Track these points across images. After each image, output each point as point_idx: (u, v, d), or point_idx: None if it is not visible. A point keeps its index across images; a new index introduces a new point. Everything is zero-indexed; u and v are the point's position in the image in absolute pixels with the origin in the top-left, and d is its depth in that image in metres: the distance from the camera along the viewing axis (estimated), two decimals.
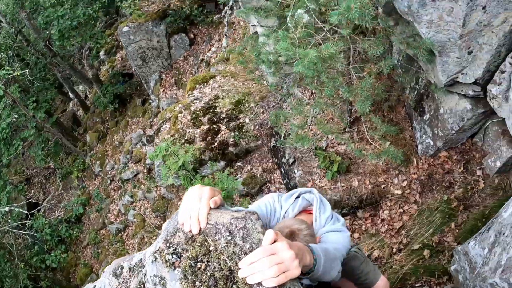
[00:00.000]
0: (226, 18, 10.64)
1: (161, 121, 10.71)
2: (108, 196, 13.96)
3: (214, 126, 9.16)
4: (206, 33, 13.72)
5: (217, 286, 1.74)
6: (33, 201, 15.94)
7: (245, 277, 1.72)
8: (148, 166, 11.95)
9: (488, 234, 4.25)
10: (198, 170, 8.72)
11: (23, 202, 14.91)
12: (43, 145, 15.66)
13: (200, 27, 13.99)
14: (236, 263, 1.76)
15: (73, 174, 16.04)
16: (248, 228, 1.87)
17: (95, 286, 2.38)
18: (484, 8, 4.67)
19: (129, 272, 2.14)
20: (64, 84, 18.12)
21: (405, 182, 6.75)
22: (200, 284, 1.75)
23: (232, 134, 8.91)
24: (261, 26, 7.13)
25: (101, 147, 15.81)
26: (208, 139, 9.01)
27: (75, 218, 13.96)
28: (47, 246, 12.99)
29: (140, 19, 13.74)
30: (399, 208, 6.69)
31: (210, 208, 1.93)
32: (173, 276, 1.79)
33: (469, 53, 5.17)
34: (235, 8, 7.18)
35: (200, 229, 1.86)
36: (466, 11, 4.62)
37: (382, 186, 6.84)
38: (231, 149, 8.89)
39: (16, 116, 13.21)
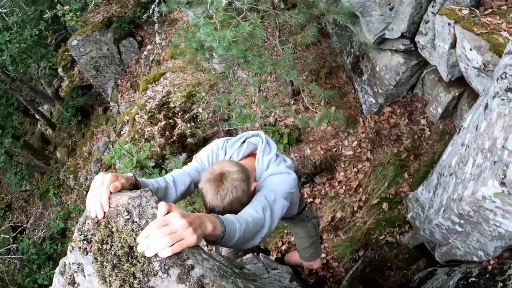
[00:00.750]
0: (155, 15, 10.55)
1: (120, 125, 10.59)
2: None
3: (170, 121, 9.05)
4: (152, 33, 13.55)
5: (120, 263, 1.79)
6: (13, 224, 15.76)
7: (143, 251, 1.75)
8: (116, 170, 11.86)
9: (432, 178, 4.25)
10: (162, 166, 8.63)
11: (3, 228, 14.72)
12: (15, 169, 15.50)
13: (146, 28, 13.82)
14: (135, 239, 1.79)
15: (50, 192, 15.86)
16: (143, 205, 1.93)
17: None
18: None
19: (69, 267, 2.13)
20: (28, 106, 17.81)
21: (355, 142, 6.74)
22: (107, 264, 1.79)
23: (188, 125, 8.82)
24: (194, 16, 7.04)
25: (72, 161, 15.62)
26: (166, 134, 8.91)
27: (58, 233, 13.80)
28: (36, 266, 12.83)
29: (87, 31, 13.51)
30: (353, 168, 6.68)
31: (111, 192, 1.99)
32: (87, 260, 1.85)
33: (391, 9, 5.13)
34: (162, 3, 7.06)
35: (104, 213, 1.92)
36: None
37: (334, 150, 6.82)
38: (189, 140, 8.80)
39: None
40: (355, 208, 6.37)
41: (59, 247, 13.56)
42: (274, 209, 2.63)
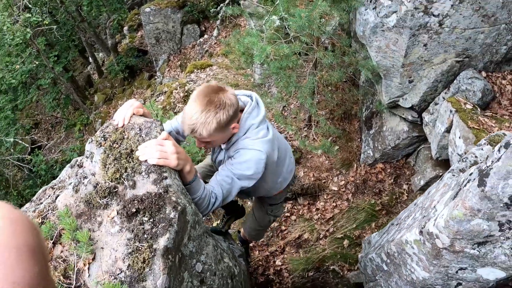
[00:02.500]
0: (221, 13, 10.99)
1: (158, 93, 11.02)
2: None
3: None
4: (215, 28, 14.00)
5: (120, 158, 2.27)
6: (35, 138, 16.20)
7: (138, 156, 2.25)
8: None
9: (386, 227, 4.62)
10: None
11: (27, 137, 15.13)
12: (55, 95, 15.85)
13: (211, 22, 14.26)
14: (137, 147, 2.27)
15: (76, 127, 16.25)
16: (152, 129, 2.40)
17: (58, 177, 2.87)
18: (425, 45, 5.04)
19: (78, 162, 2.65)
20: (86, 48, 18.28)
21: (343, 182, 7.12)
22: (111, 156, 2.28)
23: None
24: (254, 26, 7.50)
25: (105, 108, 16.04)
26: None
27: (69, 162, 14.15)
28: (40, 181, 13.18)
29: (161, 4, 13.99)
30: (333, 202, 7.03)
31: (134, 114, 2.46)
32: (98, 151, 2.33)
33: (410, 81, 5.53)
34: (230, 5, 7.52)
35: (124, 124, 2.40)
36: (408, 44, 4.97)
37: (323, 181, 7.20)
38: None
39: (37, 63, 13.39)
40: (321, 236, 6.72)
41: None
42: (231, 190, 2.77)
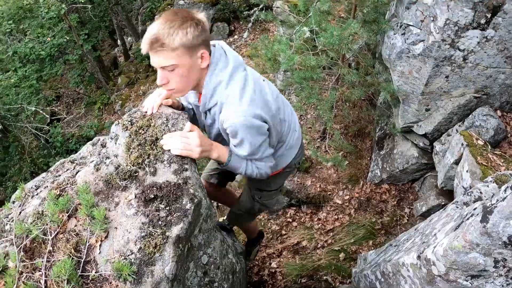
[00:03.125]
0: (253, 16, 11.08)
1: None
2: None
3: None
4: (243, 30, 14.07)
5: (145, 144, 2.36)
6: (55, 110, 16.36)
7: (162, 144, 2.33)
8: None
9: (384, 246, 4.67)
10: None
11: (48, 108, 15.28)
12: (80, 72, 16.01)
13: (241, 23, 14.34)
14: (162, 136, 2.35)
15: (97, 105, 16.39)
16: (178, 120, 2.48)
17: (79, 153, 2.94)
18: (447, 77, 5.08)
19: (100, 142, 2.74)
20: (117, 31, 18.46)
21: (347, 197, 7.17)
22: (136, 141, 2.37)
23: None
24: (282, 33, 7.58)
25: (127, 91, 16.16)
26: None
27: (85, 138, 14.26)
28: (55, 152, 13.31)
29: None
30: (335, 215, 7.08)
31: (162, 104, 2.54)
32: (123, 134, 2.43)
33: (427, 110, 5.57)
34: (264, 11, 7.60)
35: (152, 113, 2.48)
36: (431, 74, 5.02)
37: (329, 193, 7.25)
38: None
39: (67, 39, 13.54)
40: (319, 245, 6.77)
41: (80, 148, 14.04)
42: (258, 155, 2.59)
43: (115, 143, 2.48)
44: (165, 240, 2.14)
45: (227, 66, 2.45)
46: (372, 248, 6.58)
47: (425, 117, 5.67)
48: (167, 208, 2.21)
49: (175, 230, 2.16)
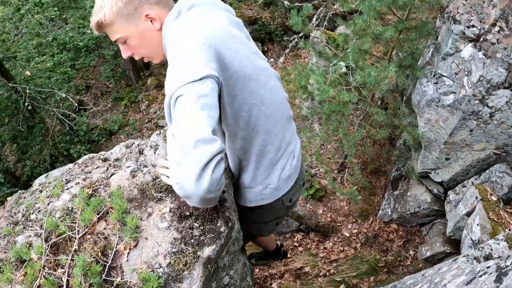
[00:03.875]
0: (292, 42, 11.24)
1: None
2: (141, 130, 14.56)
3: None
4: (276, 52, 14.22)
5: None
6: (84, 99, 16.58)
7: None
8: None
9: (388, 286, 4.72)
10: None
11: (77, 97, 15.51)
12: (113, 67, 16.28)
13: (274, 46, 14.52)
14: None
15: (124, 101, 16.56)
16: None
17: (111, 152, 2.91)
18: (471, 131, 5.17)
19: (136, 147, 2.72)
20: None
21: (356, 231, 7.23)
22: None
23: None
24: (317, 66, 7.72)
25: (155, 92, 16.36)
26: None
27: (108, 131, 14.43)
28: (77, 140, 13.48)
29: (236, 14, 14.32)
30: (341, 246, 7.14)
31: None
32: (164, 145, 2.43)
33: (447, 159, 5.65)
34: (302, 40, 7.75)
35: None
36: (456, 125, 5.11)
37: (338, 224, 7.33)
38: None
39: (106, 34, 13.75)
40: (321, 273, 6.82)
41: (102, 140, 14.21)
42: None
43: (154, 153, 2.49)
44: (195, 260, 2.09)
45: (178, 15, 2.06)
46: (373, 284, 6.63)
47: (444, 166, 5.75)
48: (201, 227, 2.17)
49: (207, 251, 2.12)
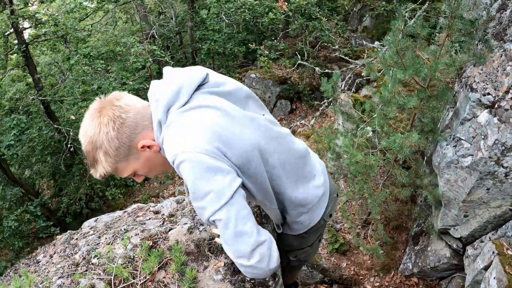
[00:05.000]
0: (322, 106, 11.71)
1: None
2: (173, 178, 14.48)
3: None
4: (304, 111, 14.66)
5: None
6: None
7: None
8: None
9: None
10: None
11: None
12: None
13: (302, 104, 14.98)
14: None
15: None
16: None
17: (162, 205, 3.17)
18: (488, 190, 5.49)
19: (188, 204, 2.99)
20: None
21: (377, 284, 7.44)
22: None
23: None
24: (343, 126, 8.17)
25: None
26: None
27: (144, 180, 14.70)
28: (112, 183, 13.74)
29: (266, 75, 14.85)
30: None
31: None
32: None
33: (465, 216, 5.95)
34: (331, 104, 8.22)
35: None
36: (474, 185, 5.44)
37: (361, 277, 7.56)
38: None
39: (147, 86, 14.31)
40: None
41: (136, 186, 14.32)
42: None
43: None
44: None
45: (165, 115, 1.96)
46: None
47: (463, 223, 6.04)
48: (252, 281, 2.35)
49: None
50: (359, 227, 7.97)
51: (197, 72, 2.05)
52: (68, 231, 3.21)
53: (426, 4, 11.21)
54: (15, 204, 13.26)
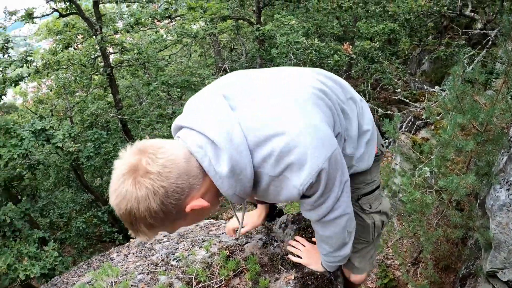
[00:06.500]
0: (384, 147, 11.83)
1: None
2: (225, 205, 15.31)
3: None
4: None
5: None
6: None
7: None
8: None
9: None
10: None
11: None
12: None
13: None
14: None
15: None
16: None
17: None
18: None
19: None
20: None
21: None
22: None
23: None
24: (400, 166, 8.36)
25: None
26: None
27: None
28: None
29: None
30: None
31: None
32: (292, 226, 2.94)
33: None
34: (390, 145, 8.47)
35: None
36: None
37: None
38: None
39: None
40: None
41: None
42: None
43: (283, 232, 2.90)
44: None
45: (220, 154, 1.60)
46: None
47: (511, 266, 6.11)
48: None
49: None
50: (409, 264, 8.07)
51: None
52: None
53: (484, 50, 11.29)
54: (85, 208, 13.97)
